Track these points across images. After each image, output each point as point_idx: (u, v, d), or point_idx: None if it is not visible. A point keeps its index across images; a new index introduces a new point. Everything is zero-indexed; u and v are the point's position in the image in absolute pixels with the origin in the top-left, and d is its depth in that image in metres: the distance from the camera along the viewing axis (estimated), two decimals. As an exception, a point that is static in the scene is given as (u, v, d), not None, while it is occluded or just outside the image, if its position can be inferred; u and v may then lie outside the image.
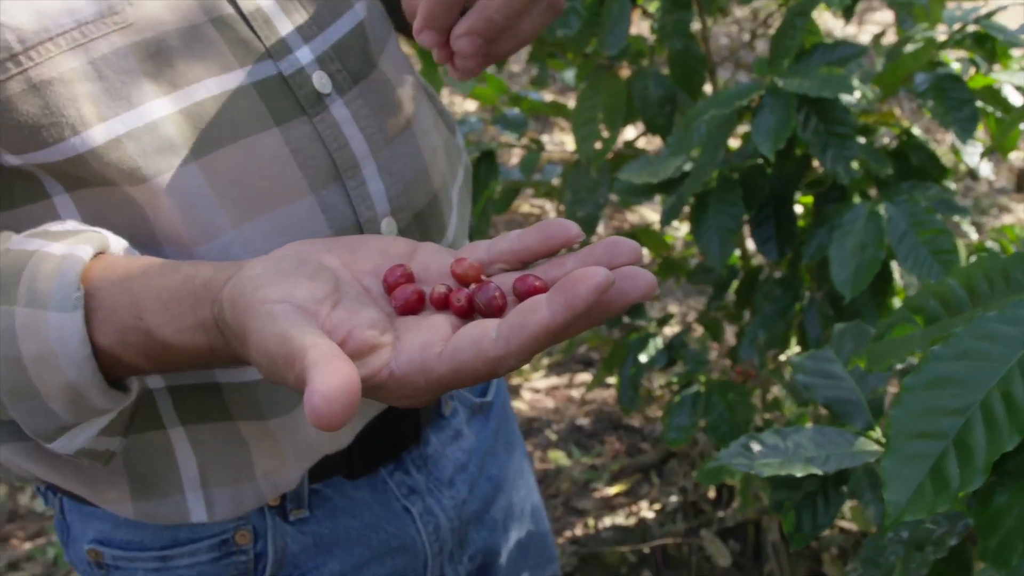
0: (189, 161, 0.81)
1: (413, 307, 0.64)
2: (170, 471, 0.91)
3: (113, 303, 0.72)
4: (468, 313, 0.63)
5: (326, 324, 0.59)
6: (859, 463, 0.95)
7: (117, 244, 0.77)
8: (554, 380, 3.18)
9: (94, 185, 0.80)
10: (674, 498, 2.60)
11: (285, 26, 0.86)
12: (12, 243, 0.75)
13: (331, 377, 0.52)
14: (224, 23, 0.83)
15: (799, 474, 0.94)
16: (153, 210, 0.81)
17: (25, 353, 0.71)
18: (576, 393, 3.10)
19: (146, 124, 0.79)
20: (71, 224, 0.78)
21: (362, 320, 0.60)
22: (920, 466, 0.66)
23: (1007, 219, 3.64)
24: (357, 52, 0.91)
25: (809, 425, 1.20)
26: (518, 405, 3.06)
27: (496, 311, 0.61)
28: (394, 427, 1.03)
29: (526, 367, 3.19)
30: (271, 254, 0.67)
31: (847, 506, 2.21)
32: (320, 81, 0.87)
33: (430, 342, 0.59)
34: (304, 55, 0.86)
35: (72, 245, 0.73)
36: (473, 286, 0.63)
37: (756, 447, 0.98)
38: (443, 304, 0.64)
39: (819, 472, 0.94)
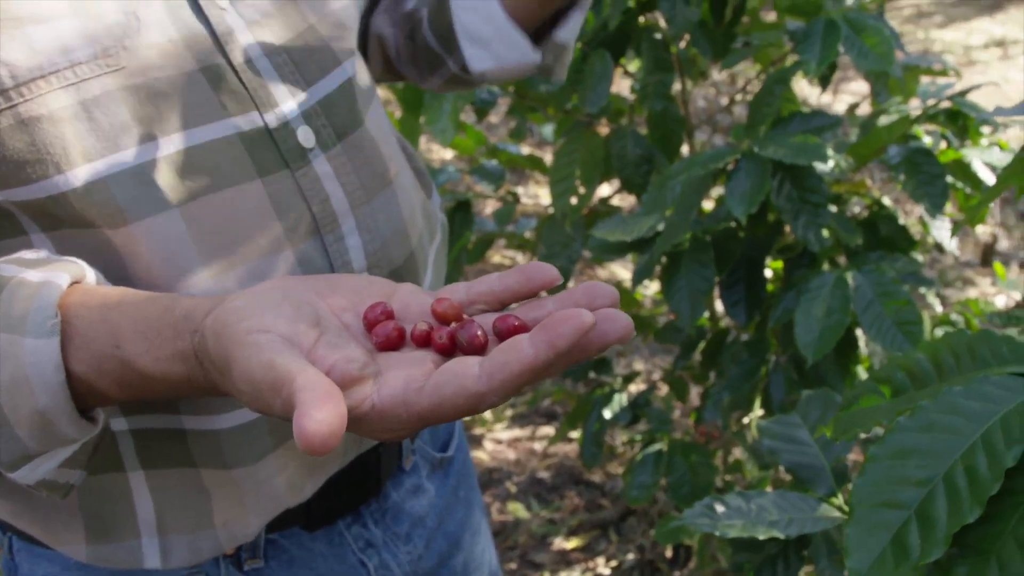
0: (170, 207, 0.81)
1: (394, 344, 0.64)
2: (127, 514, 0.90)
3: (90, 331, 0.72)
4: (449, 351, 0.63)
5: (310, 356, 0.60)
6: (820, 528, 0.96)
7: (92, 275, 0.77)
8: (516, 432, 3.17)
9: (72, 227, 0.80)
10: (631, 556, 2.60)
11: (273, 80, 0.86)
12: None
13: (320, 402, 0.53)
14: (214, 73, 0.83)
15: (762, 537, 0.94)
16: (131, 255, 0.81)
17: None
18: (538, 446, 3.10)
19: (130, 168, 0.79)
20: (45, 253, 0.78)
21: (345, 354, 0.60)
22: (882, 535, 0.67)
23: (972, 292, 3.69)
24: (343, 109, 0.92)
25: (770, 489, 1.21)
26: (479, 455, 3.06)
27: (478, 349, 0.62)
28: (355, 480, 1.02)
29: (488, 417, 3.19)
30: (253, 288, 0.67)
31: (803, 572, 2.21)
32: (304, 136, 0.87)
33: (412, 377, 0.59)
34: (290, 109, 0.87)
35: (49, 273, 0.73)
36: (454, 324, 0.64)
37: (720, 508, 0.99)
38: (424, 342, 0.64)
39: (781, 536, 0.95)
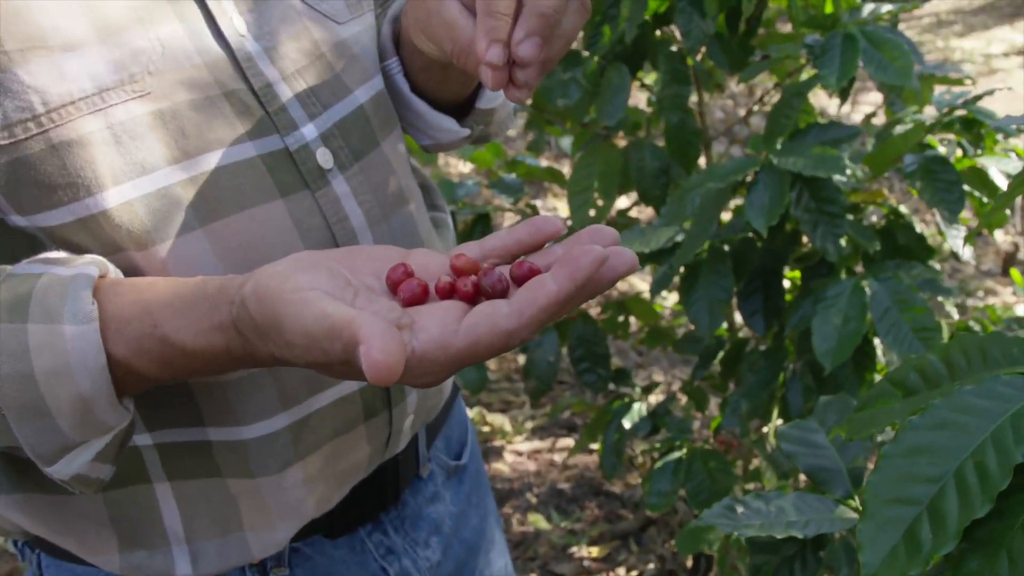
0: (196, 228, 0.84)
1: (419, 299, 0.68)
2: (155, 524, 0.92)
3: (126, 314, 0.74)
4: (474, 298, 0.67)
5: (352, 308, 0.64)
6: (838, 529, 0.97)
7: (115, 270, 0.80)
8: (536, 443, 3.19)
9: (98, 252, 0.82)
10: (652, 566, 2.61)
11: (292, 103, 0.89)
12: (14, 269, 0.77)
13: (383, 334, 0.59)
14: (236, 97, 0.86)
15: (780, 536, 0.96)
16: (156, 275, 0.83)
17: (38, 368, 0.73)
18: (558, 457, 3.11)
19: (157, 190, 0.82)
20: (65, 253, 0.80)
21: (381, 306, 0.65)
22: (895, 530, 0.68)
23: (993, 301, 3.69)
24: (359, 132, 0.95)
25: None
26: (500, 467, 3.07)
27: (501, 293, 0.67)
28: (375, 488, 1.05)
29: (509, 429, 3.21)
30: (281, 260, 0.71)
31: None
32: (323, 157, 0.90)
33: (446, 321, 0.64)
34: (309, 131, 0.90)
35: (77, 267, 0.76)
36: (475, 276, 0.69)
37: (740, 509, 1.00)
38: (448, 293, 0.68)
39: (799, 535, 0.97)
